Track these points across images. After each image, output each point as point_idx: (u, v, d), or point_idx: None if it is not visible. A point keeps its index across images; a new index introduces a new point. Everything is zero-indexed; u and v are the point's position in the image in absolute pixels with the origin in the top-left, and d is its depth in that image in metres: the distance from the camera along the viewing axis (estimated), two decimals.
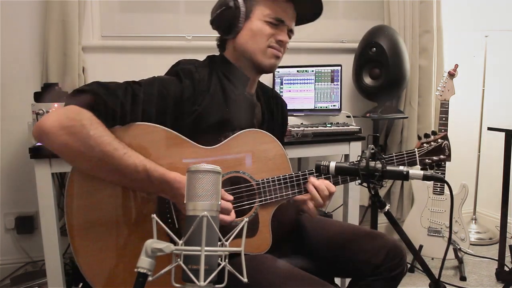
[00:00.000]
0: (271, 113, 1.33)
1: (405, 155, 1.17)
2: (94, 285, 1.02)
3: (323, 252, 1.24)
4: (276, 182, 1.12)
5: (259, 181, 1.12)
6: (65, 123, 0.91)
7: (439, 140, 1.19)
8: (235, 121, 1.15)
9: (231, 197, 1.06)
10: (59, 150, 0.95)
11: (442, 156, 1.18)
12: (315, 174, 1.14)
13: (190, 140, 1.07)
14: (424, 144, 1.20)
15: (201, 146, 1.08)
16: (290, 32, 1.21)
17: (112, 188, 1.01)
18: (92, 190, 1.01)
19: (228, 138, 1.11)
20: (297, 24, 1.25)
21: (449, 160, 1.19)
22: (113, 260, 1.02)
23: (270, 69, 1.21)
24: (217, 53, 1.27)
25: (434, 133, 1.21)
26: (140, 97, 1.02)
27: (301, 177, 1.14)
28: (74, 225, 1.01)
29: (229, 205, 1.03)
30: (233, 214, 1.04)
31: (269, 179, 1.12)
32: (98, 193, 1.01)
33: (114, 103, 0.98)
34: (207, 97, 1.12)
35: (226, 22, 1.17)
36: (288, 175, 1.14)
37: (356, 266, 1.18)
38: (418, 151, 1.18)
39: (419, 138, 1.22)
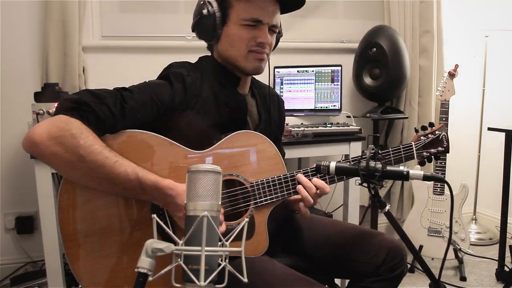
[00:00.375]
0: (268, 112, 1.31)
1: (401, 150, 1.14)
2: None
3: (320, 252, 1.22)
4: (271, 183, 1.11)
5: (253, 183, 1.10)
6: (54, 133, 0.89)
7: (437, 132, 1.15)
8: (229, 123, 1.13)
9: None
10: (49, 161, 0.93)
11: (440, 148, 1.14)
12: (309, 174, 1.12)
13: (181, 145, 1.05)
14: (421, 137, 1.16)
15: (193, 150, 1.06)
16: (273, 27, 1.15)
17: (104, 197, 1.00)
18: (84, 200, 1.00)
19: (220, 141, 1.09)
20: (283, 12, 1.18)
21: (448, 152, 1.15)
22: (110, 269, 1.01)
23: (256, 72, 1.19)
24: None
25: (431, 124, 1.17)
26: (131, 104, 1.00)
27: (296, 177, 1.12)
28: (69, 236, 1.00)
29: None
30: (224, 225, 1.00)
31: (263, 180, 1.10)
32: (90, 203, 1.00)
33: (104, 111, 0.96)
34: (199, 101, 1.10)
35: (203, 30, 1.15)
36: (283, 175, 1.12)
37: (355, 267, 1.17)
38: (415, 144, 1.14)
39: (416, 131, 1.18)
